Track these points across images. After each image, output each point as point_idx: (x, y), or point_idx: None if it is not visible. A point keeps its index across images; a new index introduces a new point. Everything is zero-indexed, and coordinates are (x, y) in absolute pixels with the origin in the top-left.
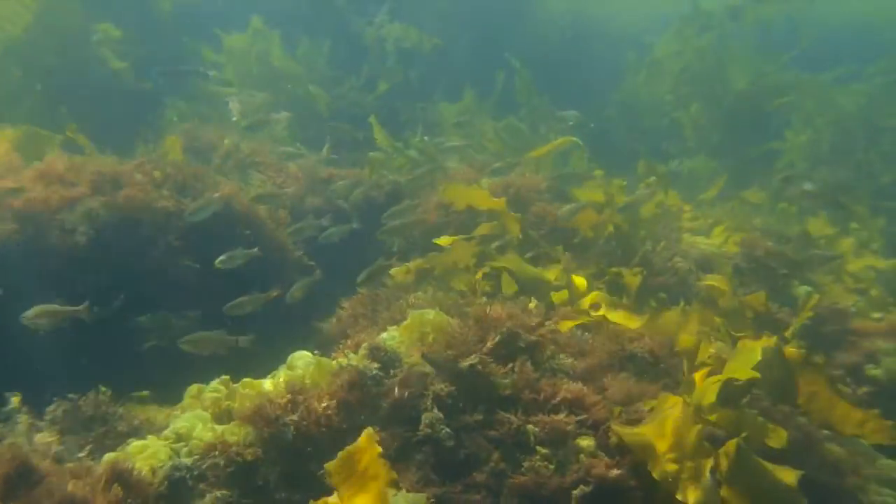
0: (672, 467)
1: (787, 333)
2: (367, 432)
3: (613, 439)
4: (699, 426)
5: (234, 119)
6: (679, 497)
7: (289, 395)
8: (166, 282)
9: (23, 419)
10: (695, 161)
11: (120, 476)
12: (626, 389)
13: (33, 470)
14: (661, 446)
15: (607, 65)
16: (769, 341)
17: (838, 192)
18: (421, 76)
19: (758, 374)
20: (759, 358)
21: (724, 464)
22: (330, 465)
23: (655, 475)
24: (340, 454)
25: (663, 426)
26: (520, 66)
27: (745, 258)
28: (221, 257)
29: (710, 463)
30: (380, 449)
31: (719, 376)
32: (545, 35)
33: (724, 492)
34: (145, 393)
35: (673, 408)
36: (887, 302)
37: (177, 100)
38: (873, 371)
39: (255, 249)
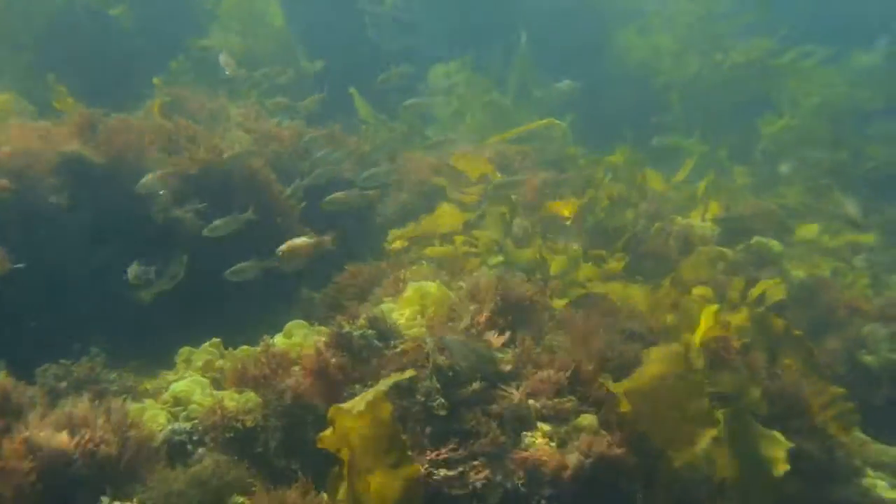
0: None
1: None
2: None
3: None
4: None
5: (227, 73)
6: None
7: (288, 360)
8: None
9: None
10: (678, 138)
11: (119, 410)
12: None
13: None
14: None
15: (600, 36)
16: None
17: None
18: (415, 46)
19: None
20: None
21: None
22: None
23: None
24: None
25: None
26: (524, 40)
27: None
28: (213, 224)
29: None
30: None
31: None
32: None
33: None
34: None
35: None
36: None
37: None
38: (866, 357)
39: (250, 212)
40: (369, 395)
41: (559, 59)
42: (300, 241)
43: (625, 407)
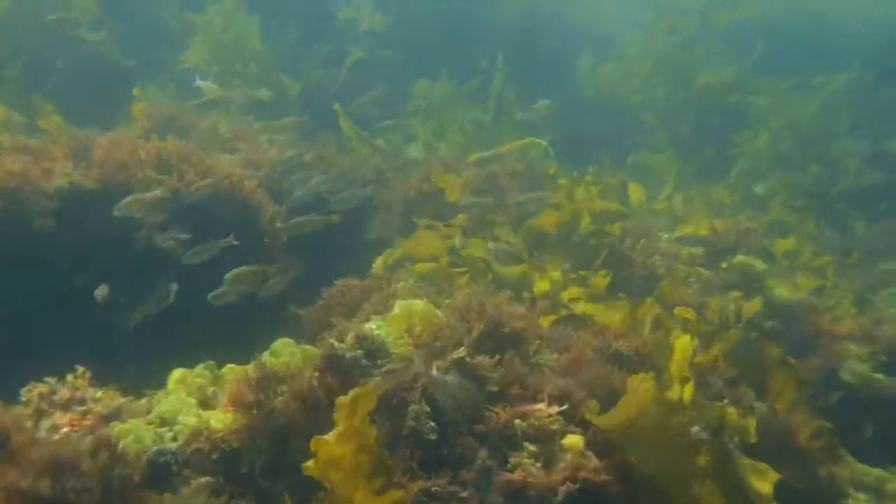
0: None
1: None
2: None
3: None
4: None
5: (206, 97)
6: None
7: (274, 381)
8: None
9: None
10: (652, 157)
11: (106, 444)
12: (609, 383)
13: (10, 435)
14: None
15: (574, 59)
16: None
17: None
18: (391, 62)
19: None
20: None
21: (700, 461)
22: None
23: (633, 460)
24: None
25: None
26: (501, 61)
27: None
28: (190, 252)
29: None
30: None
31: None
32: (516, 25)
33: (698, 489)
34: (128, 378)
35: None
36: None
37: (149, 82)
38: (846, 376)
39: (230, 237)
40: (354, 422)
41: (534, 80)
42: (244, 269)
43: (610, 436)
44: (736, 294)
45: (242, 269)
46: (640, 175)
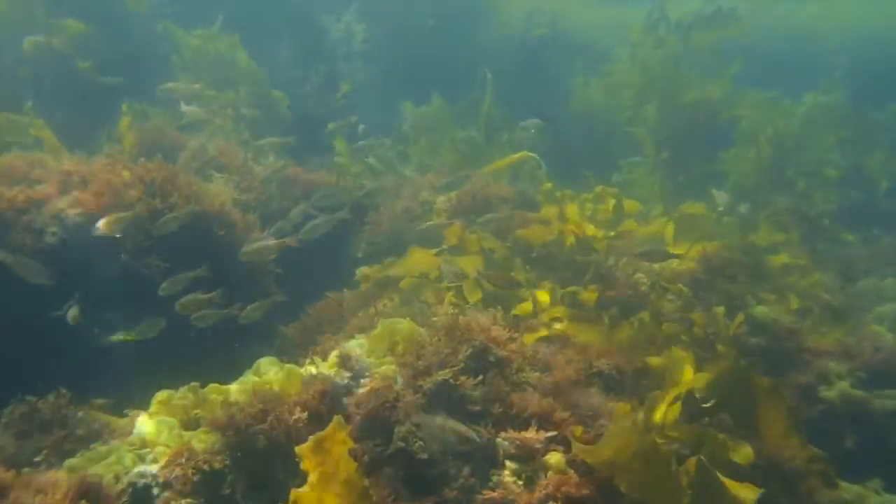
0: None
1: (720, 348)
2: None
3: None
4: (654, 440)
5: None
6: None
7: (259, 405)
8: (133, 282)
9: None
10: (640, 174)
11: (88, 490)
12: (592, 405)
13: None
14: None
15: (565, 74)
16: (736, 364)
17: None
18: (382, 78)
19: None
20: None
21: (684, 480)
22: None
23: (623, 489)
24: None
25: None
26: (490, 78)
27: (704, 272)
28: (164, 284)
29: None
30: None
31: (673, 392)
32: (504, 44)
33: None
34: (104, 401)
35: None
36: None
37: (135, 101)
38: (826, 393)
39: (202, 269)
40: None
41: (525, 97)
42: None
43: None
44: (720, 310)
45: (190, 296)
46: (626, 192)
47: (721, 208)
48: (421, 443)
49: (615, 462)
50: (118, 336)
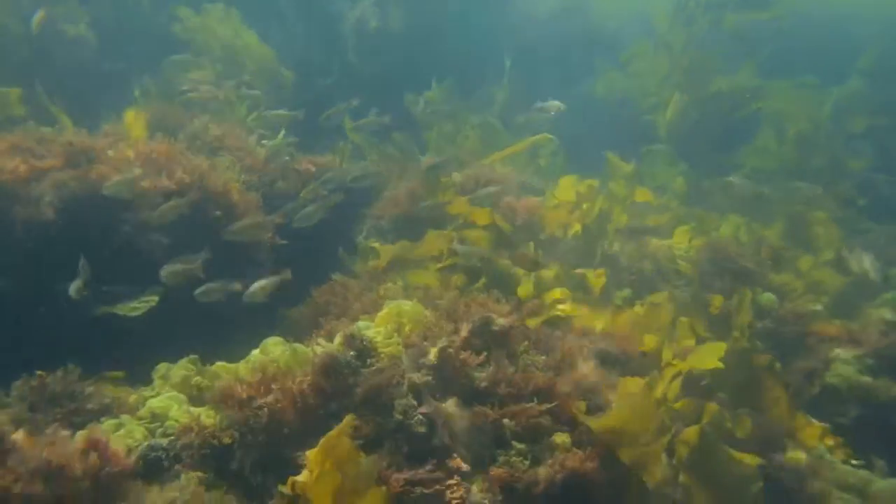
0: (641, 450)
1: (736, 333)
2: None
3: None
4: (660, 408)
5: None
6: (644, 478)
7: (264, 379)
8: (134, 258)
9: None
10: (660, 162)
11: (96, 445)
12: (594, 379)
13: (4, 438)
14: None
15: (584, 62)
16: (738, 343)
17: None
18: (399, 63)
19: (721, 365)
20: (722, 354)
21: (683, 450)
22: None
23: (625, 459)
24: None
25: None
26: (509, 64)
27: (710, 262)
28: (168, 266)
29: (665, 442)
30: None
31: (683, 364)
32: (526, 25)
33: (683, 477)
34: (119, 373)
35: (634, 391)
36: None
37: (144, 80)
38: (831, 379)
39: (203, 252)
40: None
41: (545, 81)
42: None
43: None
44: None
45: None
46: (645, 181)
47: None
48: (420, 416)
49: (621, 431)
50: (117, 308)
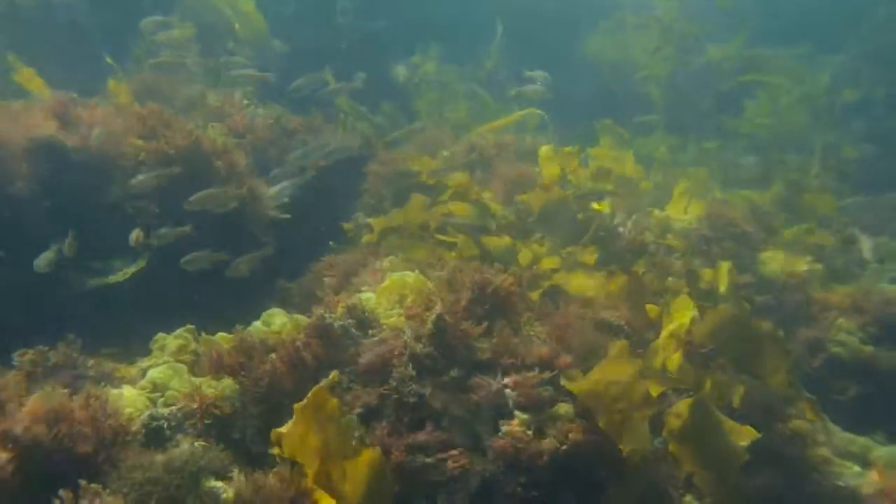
0: (617, 417)
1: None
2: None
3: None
4: (639, 375)
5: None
6: (620, 447)
7: (267, 348)
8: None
9: None
10: (653, 136)
11: (97, 397)
12: (595, 347)
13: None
14: (606, 395)
15: (573, 32)
16: (740, 309)
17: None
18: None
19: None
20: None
21: (674, 422)
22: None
23: (601, 424)
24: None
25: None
26: (500, 32)
27: (711, 228)
28: (160, 231)
29: (649, 413)
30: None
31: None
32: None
33: (673, 447)
34: (114, 349)
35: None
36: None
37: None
38: (836, 349)
39: (188, 227)
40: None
41: (534, 50)
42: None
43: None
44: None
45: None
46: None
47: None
48: (414, 387)
49: (597, 393)
50: (109, 279)
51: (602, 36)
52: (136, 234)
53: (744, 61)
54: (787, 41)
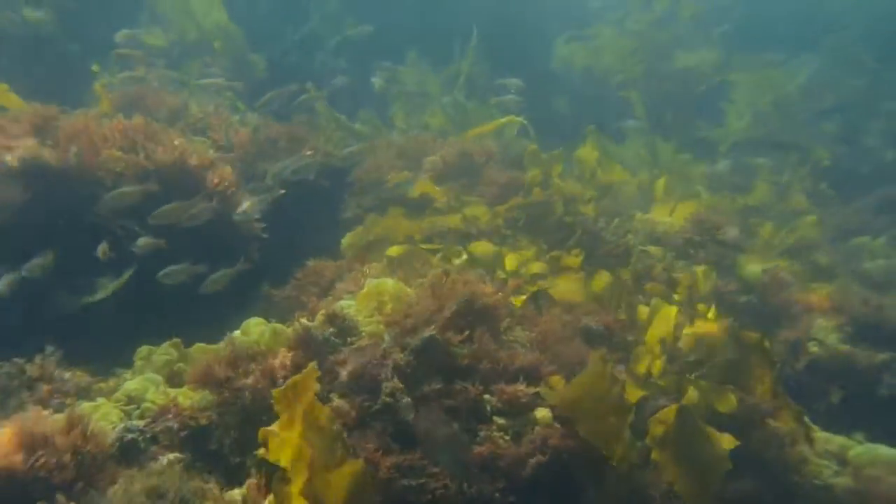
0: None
1: (701, 307)
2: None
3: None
4: (614, 385)
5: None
6: (604, 453)
7: (245, 358)
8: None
9: None
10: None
11: (80, 421)
12: (578, 356)
13: None
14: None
15: (551, 37)
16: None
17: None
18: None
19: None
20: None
21: (657, 429)
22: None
23: (581, 432)
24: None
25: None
26: (475, 40)
27: (695, 232)
28: (138, 241)
29: (629, 419)
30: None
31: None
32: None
33: (656, 454)
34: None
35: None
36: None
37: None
38: (814, 349)
39: (162, 241)
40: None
41: (508, 59)
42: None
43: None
44: (704, 269)
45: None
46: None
47: None
48: (408, 400)
49: (576, 404)
50: (97, 296)
51: (577, 45)
52: (102, 249)
53: (717, 67)
54: (760, 47)
